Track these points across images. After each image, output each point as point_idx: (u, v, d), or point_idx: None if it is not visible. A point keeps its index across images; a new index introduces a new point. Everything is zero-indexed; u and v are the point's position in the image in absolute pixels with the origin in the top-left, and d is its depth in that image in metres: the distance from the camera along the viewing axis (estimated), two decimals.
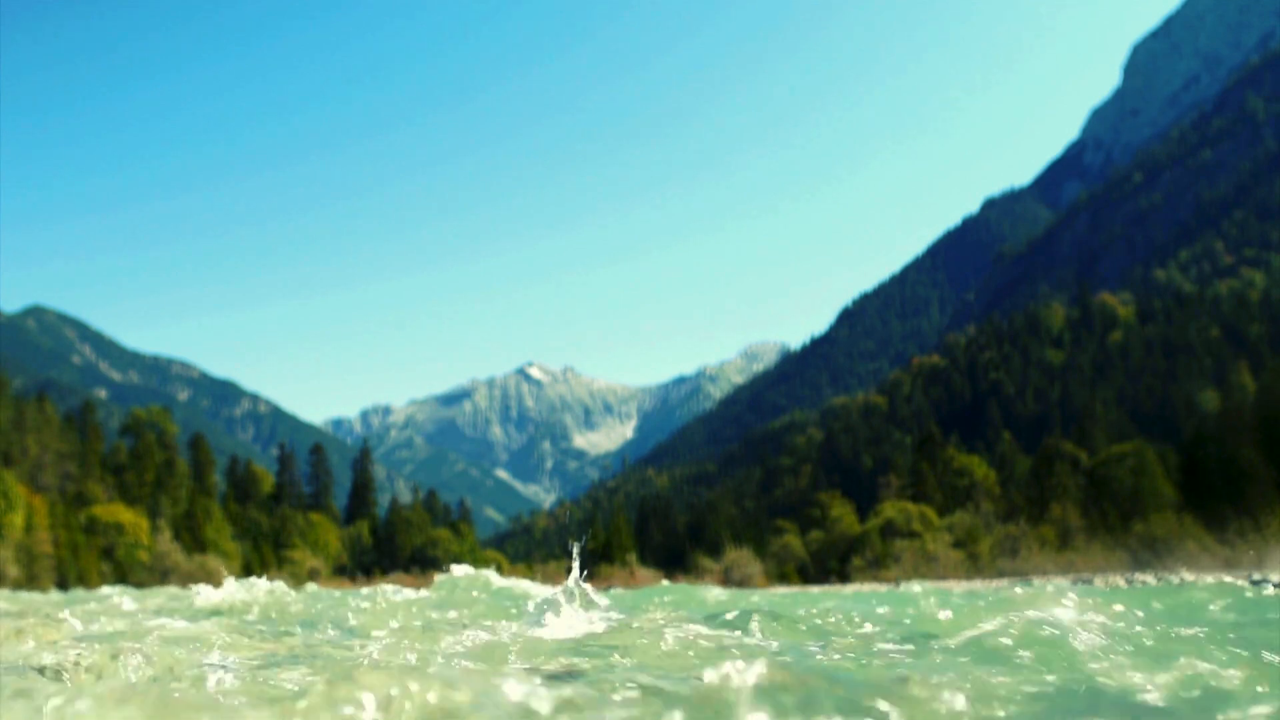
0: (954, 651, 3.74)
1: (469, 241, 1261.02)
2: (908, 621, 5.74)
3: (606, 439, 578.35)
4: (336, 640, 5.58)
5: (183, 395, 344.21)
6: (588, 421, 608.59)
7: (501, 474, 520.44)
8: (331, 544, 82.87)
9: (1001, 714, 2.57)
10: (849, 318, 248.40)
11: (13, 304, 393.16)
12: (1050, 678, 3.10)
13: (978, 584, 37.62)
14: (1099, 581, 28.63)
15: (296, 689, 3.07)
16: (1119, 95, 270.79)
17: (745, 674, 2.40)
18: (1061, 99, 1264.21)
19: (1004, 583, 36.19)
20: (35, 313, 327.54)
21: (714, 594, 13.20)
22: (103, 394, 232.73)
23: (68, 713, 2.18)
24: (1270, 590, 8.57)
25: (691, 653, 3.80)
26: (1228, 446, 51.23)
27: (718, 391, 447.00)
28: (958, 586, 34.66)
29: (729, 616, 5.05)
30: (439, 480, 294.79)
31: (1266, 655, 3.57)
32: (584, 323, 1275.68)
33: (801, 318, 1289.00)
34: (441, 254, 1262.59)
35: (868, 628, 5.03)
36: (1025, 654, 3.51)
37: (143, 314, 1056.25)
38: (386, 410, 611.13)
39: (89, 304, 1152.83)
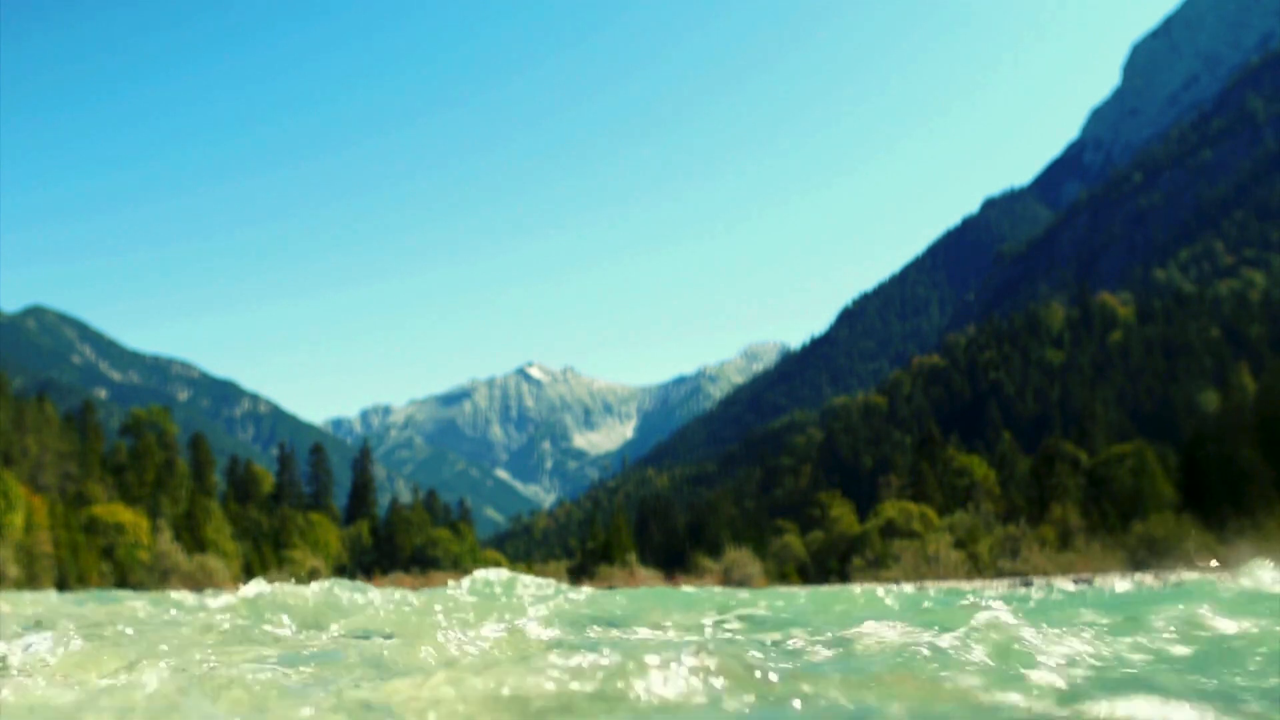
0: None
1: (469, 241, 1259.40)
2: None
3: (606, 439, 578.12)
4: None
5: (183, 395, 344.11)
6: (588, 421, 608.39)
7: (501, 474, 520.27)
8: (331, 544, 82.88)
9: None
10: (849, 318, 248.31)
11: (13, 304, 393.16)
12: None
13: (977, 584, 37.63)
14: (1099, 581, 28.63)
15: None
16: (1119, 95, 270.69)
17: None
18: (1061, 99, 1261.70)
19: (1004, 583, 36.19)
20: (35, 313, 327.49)
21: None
22: (103, 394, 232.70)
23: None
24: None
25: None
26: (1228, 446, 51.23)
27: (718, 391, 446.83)
28: (956, 587, 34.68)
29: None
30: (439, 480, 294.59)
31: None
32: (584, 323, 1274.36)
33: (801, 318, 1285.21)
34: (441, 254, 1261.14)
35: None
36: None
37: (143, 314, 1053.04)
38: (386, 410, 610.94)
39: (89, 304, 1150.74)
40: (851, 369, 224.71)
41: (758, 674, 3.01)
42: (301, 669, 4.09)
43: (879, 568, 57.93)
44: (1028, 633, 4.18)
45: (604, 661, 2.98)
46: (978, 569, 53.58)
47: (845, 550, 64.88)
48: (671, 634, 6.70)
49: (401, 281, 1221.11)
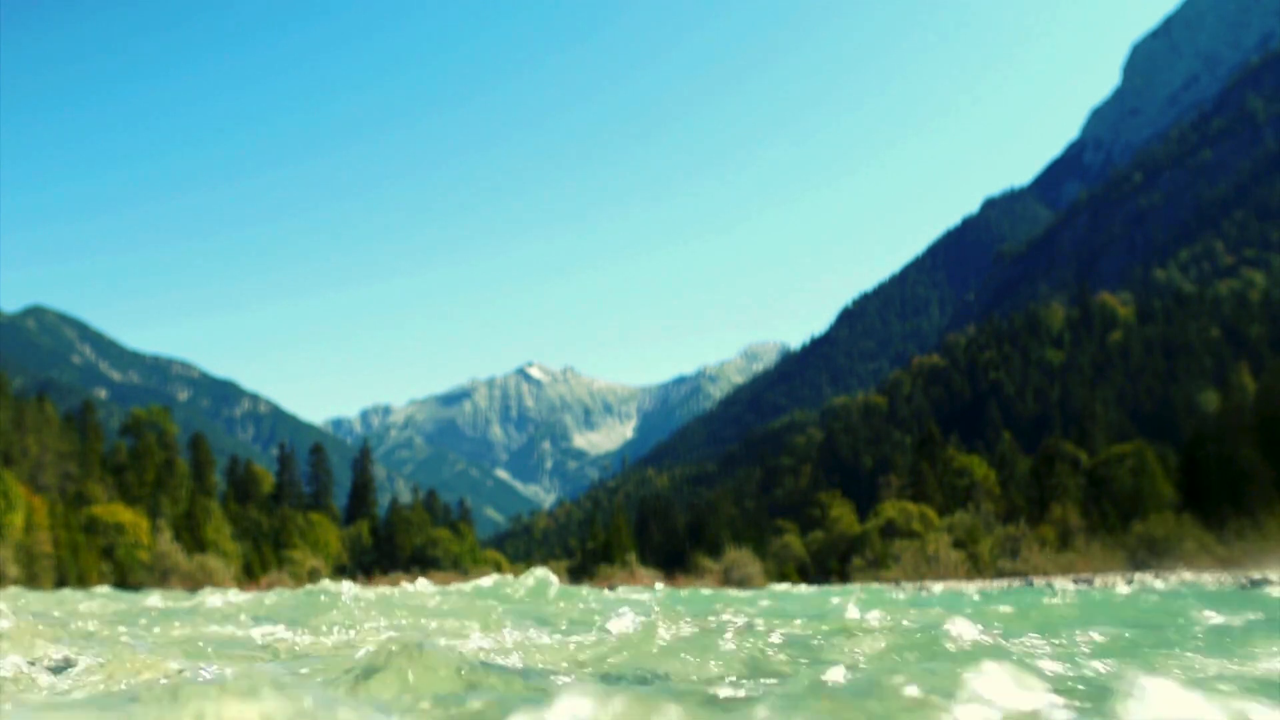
0: None
1: (469, 241, 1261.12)
2: None
3: (606, 439, 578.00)
4: None
5: (183, 395, 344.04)
6: (588, 421, 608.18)
7: (501, 474, 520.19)
8: (331, 544, 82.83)
9: None
10: (849, 318, 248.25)
11: (13, 304, 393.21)
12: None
13: (978, 584, 37.62)
14: (1099, 582, 28.61)
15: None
16: (1119, 95, 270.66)
17: None
18: (1061, 99, 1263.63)
19: (1004, 583, 36.19)
20: (35, 313, 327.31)
21: None
22: (103, 394, 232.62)
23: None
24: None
25: None
26: (1228, 446, 51.21)
27: (718, 391, 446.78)
28: (959, 587, 34.67)
29: None
30: (439, 480, 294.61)
31: None
32: (584, 323, 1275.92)
33: (801, 318, 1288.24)
34: (441, 254, 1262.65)
35: None
36: None
37: (143, 314, 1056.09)
38: (386, 410, 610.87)
39: (89, 304, 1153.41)
40: (851, 369, 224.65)
41: None
42: None
43: (879, 568, 57.93)
44: None
45: None
46: (978, 569, 53.58)
47: (845, 550, 64.86)
48: None
49: (401, 281, 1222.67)
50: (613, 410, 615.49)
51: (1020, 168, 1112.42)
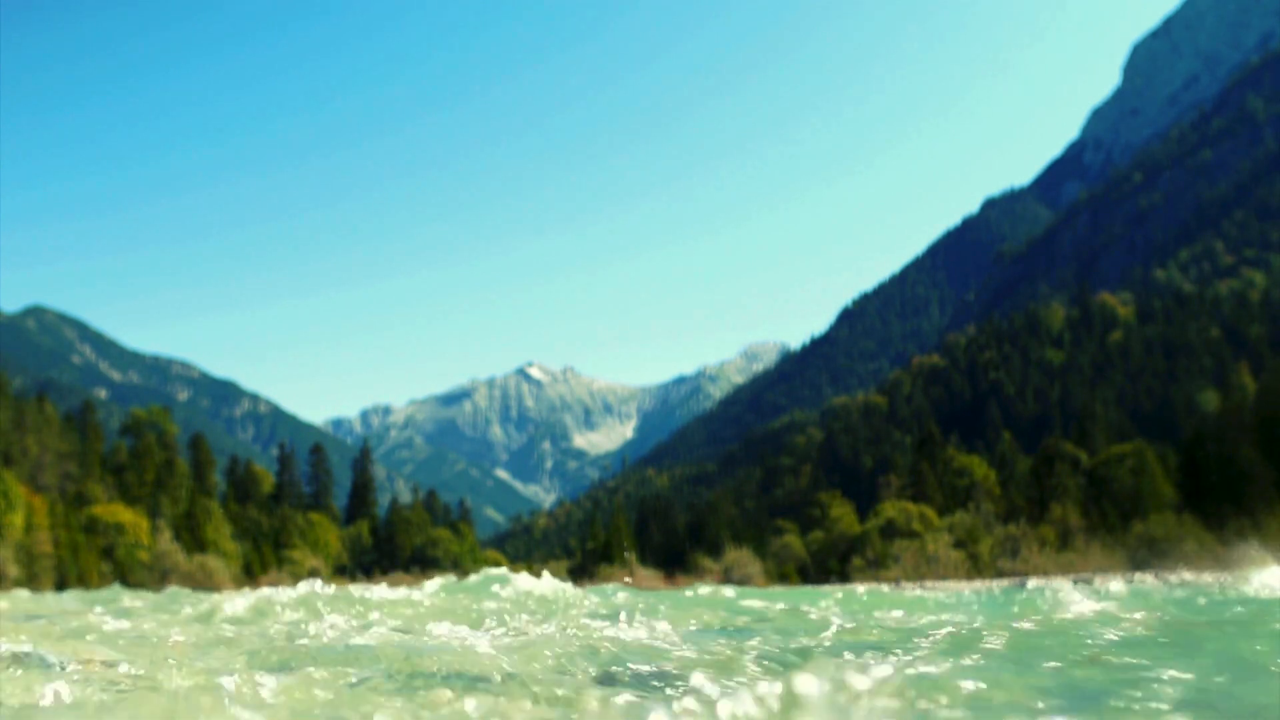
0: None
1: (469, 241, 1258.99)
2: None
3: (606, 439, 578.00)
4: None
5: (183, 395, 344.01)
6: (588, 421, 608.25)
7: (501, 474, 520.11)
8: (331, 544, 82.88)
9: None
10: (849, 318, 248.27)
11: (13, 304, 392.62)
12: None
13: (979, 584, 37.62)
14: (1099, 582, 28.60)
15: None
16: (1119, 95, 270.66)
17: None
18: (1061, 99, 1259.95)
19: (1004, 583, 36.18)
20: (35, 313, 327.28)
21: None
22: (103, 394, 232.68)
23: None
24: None
25: None
26: (1228, 446, 51.28)
27: (718, 391, 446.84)
28: (957, 588, 34.64)
29: None
30: (439, 480, 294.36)
31: None
32: (584, 323, 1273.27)
33: (801, 318, 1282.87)
34: (441, 254, 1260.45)
35: None
36: None
37: (143, 314, 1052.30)
38: (386, 410, 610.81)
39: (89, 304, 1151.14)
40: (851, 369, 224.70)
41: None
42: None
43: (879, 568, 57.96)
44: None
45: None
46: (978, 569, 53.61)
47: (845, 550, 64.91)
48: None
49: (401, 281, 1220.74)
50: (613, 410, 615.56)
51: (1020, 168, 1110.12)
